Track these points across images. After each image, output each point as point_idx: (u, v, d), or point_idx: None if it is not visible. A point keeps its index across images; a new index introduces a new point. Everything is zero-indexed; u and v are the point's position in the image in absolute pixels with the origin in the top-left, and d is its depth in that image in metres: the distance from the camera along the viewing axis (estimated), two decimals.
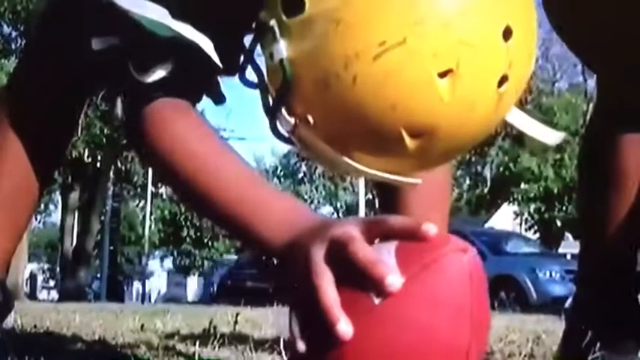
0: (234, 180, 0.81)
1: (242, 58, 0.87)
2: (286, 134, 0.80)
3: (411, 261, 0.63)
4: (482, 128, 0.78)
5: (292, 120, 0.78)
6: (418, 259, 0.63)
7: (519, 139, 21.32)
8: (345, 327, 0.62)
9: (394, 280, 0.61)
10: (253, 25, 0.81)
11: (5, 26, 16.80)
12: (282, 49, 0.75)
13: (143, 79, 0.86)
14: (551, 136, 0.85)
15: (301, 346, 0.64)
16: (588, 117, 1.74)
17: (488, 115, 0.76)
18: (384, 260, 0.63)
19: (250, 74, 0.86)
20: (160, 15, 0.83)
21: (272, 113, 0.79)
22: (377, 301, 0.62)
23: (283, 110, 0.78)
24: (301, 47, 0.74)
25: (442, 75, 0.71)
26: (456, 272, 0.63)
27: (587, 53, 1.43)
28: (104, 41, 0.92)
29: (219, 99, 0.96)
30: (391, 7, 0.71)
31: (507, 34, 0.73)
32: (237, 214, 0.78)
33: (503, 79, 0.74)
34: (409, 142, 0.74)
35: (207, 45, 0.83)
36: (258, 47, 0.82)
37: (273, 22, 0.76)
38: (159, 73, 0.86)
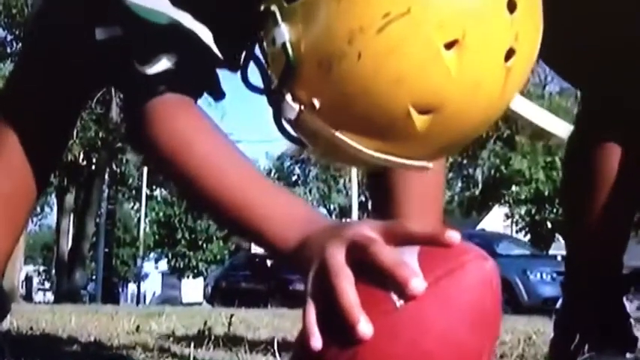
0: (239, 180, 0.80)
1: (243, 56, 0.86)
2: (292, 131, 0.79)
3: (434, 266, 0.63)
4: (491, 107, 0.76)
5: (297, 106, 0.76)
6: (442, 265, 0.63)
7: (510, 141, 21.39)
8: (365, 327, 0.61)
9: (418, 283, 0.61)
10: (254, 22, 0.81)
11: (1, 30, 16.81)
12: (284, 32, 0.74)
13: (145, 70, 0.84)
14: (562, 127, 0.86)
15: (316, 344, 0.64)
16: None
17: (496, 93, 0.74)
18: (408, 263, 0.63)
19: (252, 75, 0.86)
20: (158, 3, 0.82)
21: (276, 103, 0.78)
22: (398, 303, 0.62)
23: (287, 97, 0.76)
24: (304, 29, 0.73)
25: (448, 46, 0.70)
26: (479, 279, 0.63)
27: (565, 70, 1.44)
28: (107, 32, 0.91)
29: (218, 95, 0.95)
30: None
31: (512, 5, 0.72)
32: (244, 216, 0.77)
33: (510, 53, 0.73)
34: (417, 118, 0.72)
35: (205, 34, 0.82)
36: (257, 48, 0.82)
37: (274, 8, 0.75)
38: (161, 65, 0.84)
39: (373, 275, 0.63)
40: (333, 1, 0.71)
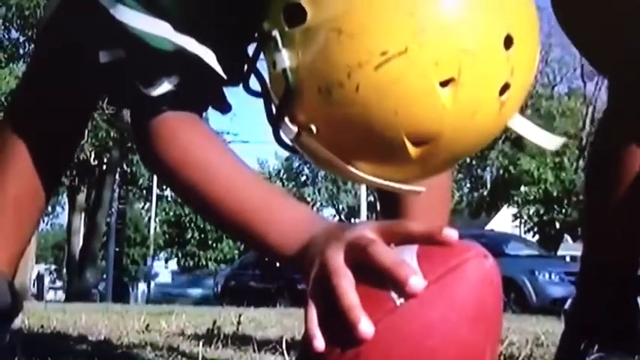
0: (243, 186, 0.82)
1: (246, 68, 0.87)
2: (289, 142, 0.80)
3: (433, 265, 0.63)
4: (484, 136, 0.78)
5: (295, 128, 0.77)
6: (441, 263, 0.63)
7: (519, 142, 21.38)
8: (366, 327, 0.62)
9: (417, 281, 0.62)
10: (256, 35, 0.82)
11: (13, 31, 16.89)
12: (285, 58, 0.75)
13: (149, 92, 0.86)
14: (551, 142, 0.86)
15: (319, 346, 0.64)
16: (587, 120, 1.75)
17: (490, 123, 0.76)
18: (407, 262, 0.63)
19: (254, 83, 0.87)
20: (161, 29, 0.83)
21: (275, 122, 0.79)
22: (398, 302, 0.62)
23: (286, 119, 0.77)
24: (304, 56, 0.74)
25: (444, 84, 0.71)
26: (479, 277, 0.63)
27: (599, 59, 1.42)
28: (111, 54, 0.92)
29: (224, 109, 0.97)
30: (392, 17, 0.71)
31: (508, 42, 0.73)
32: (250, 222, 0.79)
33: (504, 88, 0.74)
34: (412, 149, 0.74)
35: (209, 57, 0.83)
36: (261, 57, 0.82)
37: (275, 32, 0.75)
38: (164, 87, 0.86)
39: (373, 275, 0.64)
40: (332, 33, 0.72)
